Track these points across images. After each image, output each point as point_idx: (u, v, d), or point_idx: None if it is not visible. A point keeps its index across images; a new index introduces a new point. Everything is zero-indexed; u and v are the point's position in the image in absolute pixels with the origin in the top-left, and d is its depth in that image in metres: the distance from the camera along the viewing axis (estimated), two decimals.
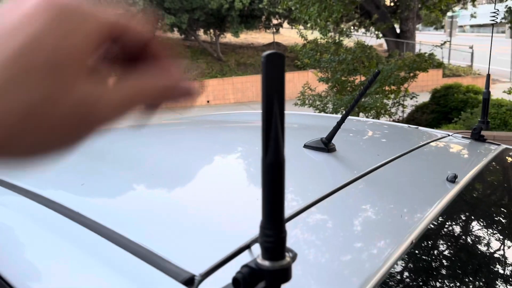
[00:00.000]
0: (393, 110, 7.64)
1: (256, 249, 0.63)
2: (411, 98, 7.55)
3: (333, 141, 1.16)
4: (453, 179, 0.98)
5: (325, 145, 1.14)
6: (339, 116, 1.18)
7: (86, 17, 0.26)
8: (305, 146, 1.17)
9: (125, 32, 0.29)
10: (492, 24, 1.45)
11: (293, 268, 0.61)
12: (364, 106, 6.76)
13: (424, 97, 8.62)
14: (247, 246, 0.64)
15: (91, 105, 0.26)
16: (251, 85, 15.45)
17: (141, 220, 0.73)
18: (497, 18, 1.41)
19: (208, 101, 15.01)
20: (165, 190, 0.89)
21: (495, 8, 1.42)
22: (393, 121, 7.31)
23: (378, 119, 7.09)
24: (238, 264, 0.51)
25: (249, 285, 0.49)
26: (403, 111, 7.94)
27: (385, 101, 7.19)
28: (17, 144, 0.25)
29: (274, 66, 0.46)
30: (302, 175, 1.00)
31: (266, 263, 0.49)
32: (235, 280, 0.49)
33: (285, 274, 0.50)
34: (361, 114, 6.94)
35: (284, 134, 0.48)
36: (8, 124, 0.24)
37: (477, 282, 0.68)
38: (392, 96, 7.34)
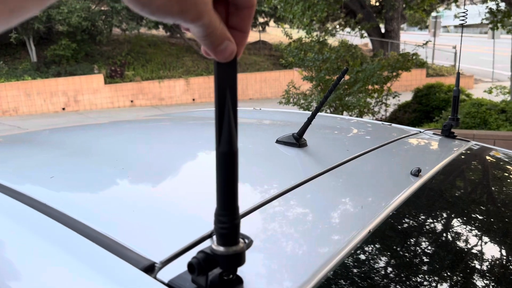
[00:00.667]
0: (376, 109, 7.73)
1: None
2: (393, 97, 7.65)
3: (307, 137, 1.19)
4: (416, 173, 1.02)
5: (296, 141, 1.16)
6: (310, 112, 1.21)
7: None
8: (277, 141, 1.19)
9: None
10: (462, 25, 1.49)
11: (257, 254, 0.63)
12: (347, 105, 6.83)
13: (407, 96, 8.74)
14: (209, 235, 0.66)
15: None
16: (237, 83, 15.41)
17: (105, 210, 0.75)
18: (466, 18, 1.45)
19: (193, 99, 14.96)
20: (132, 182, 0.90)
21: (464, 9, 1.46)
22: (376, 119, 7.40)
23: (361, 117, 7.17)
24: None
25: (203, 269, 0.51)
26: (386, 110, 8.05)
27: (368, 100, 7.27)
28: None
29: (226, 61, 0.48)
30: (273, 169, 1.02)
31: (220, 248, 0.52)
32: (190, 265, 0.51)
33: (239, 258, 0.52)
34: (344, 113, 7.01)
35: (237, 126, 0.50)
36: None
37: (430, 271, 0.71)
38: (376, 95, 7.43)
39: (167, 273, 0.57)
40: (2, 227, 0.73)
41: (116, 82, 14.43)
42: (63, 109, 13.84)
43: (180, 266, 0.58)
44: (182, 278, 0.55)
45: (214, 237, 0.68)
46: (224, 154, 0.49)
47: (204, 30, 0.40)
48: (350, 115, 6.80)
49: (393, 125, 1.72)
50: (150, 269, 0.58)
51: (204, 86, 15.09)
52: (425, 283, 0.66)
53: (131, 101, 14.41)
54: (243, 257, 0.53)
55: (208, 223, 0.68)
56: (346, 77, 6.91)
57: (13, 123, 11.90)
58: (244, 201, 0.77)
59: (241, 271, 0.55)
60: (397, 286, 0.63)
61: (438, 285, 0.66)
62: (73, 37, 14.36)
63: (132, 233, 0.67)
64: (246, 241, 0.64)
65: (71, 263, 0.61)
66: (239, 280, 0.54)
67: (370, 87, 7.03)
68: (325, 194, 0.88)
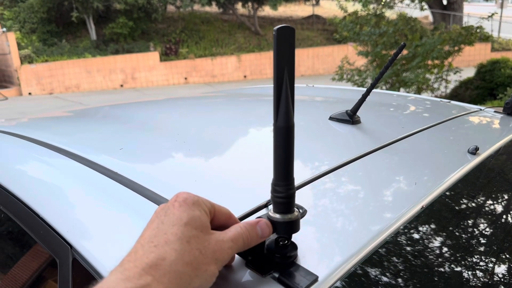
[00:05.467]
0: (435, 85, 7.39)
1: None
2: (454, 73, 7.27)
3: (361, 114, 1.19)
4: (474, 151, 1.00)
5: (350, 117, 1.17)
6: (364, 89, 1.21)
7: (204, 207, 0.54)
8: (331, 118, 1.20)
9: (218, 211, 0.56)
10: None
11: (308, 226, 0.67)
12: (404, 81, 6.60)
13: (469, 72, 8.28)
14: (265, 205, 0.70)
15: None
16: None
17: (170, 179, 0.81)
18: None
19: (245, 76, 15.04)
20: (193, 155, 0.96)
21: None
22: (435, 96, 7.09)
23: (420, 94, 6.89)
24: None
25: None
26: (446, 87, 7.68)
27: (427, 76, 6.96)
28: None
29: (285, 39, 0.51)
30: (326, 145, 1.04)
31: (276, 215, 0.56)
32: None
33: (294, 225, 0.56)
34: (401, 89, 6.78)
35: (293, 101, 0.53)
36: None
37: (482, 251, 0.71)
38: (435, 70, 7.10)
39: None
40: (79, 192, 0.82)
41: (170, 60, 14.79)
42: (121, 86, 14.44)
43: None
44: None
45: (271, 206, 0.72)
46: (281, 128, 0.53)
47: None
48: (408, 92, 6.57)
49: (453, 102, 1.66)
50: None
51: (256, 63, 15.10)
52: (476, 262, 0.66)
53: (185, 78, 14.75)
54: (297, 224, 0.56)
55: (263, 194, 0.72)
56: (404, 51, 6.64)
57: (76, 99, 12.61)
58: (298, 175, 0.80)
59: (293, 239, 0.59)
60: (447, 264, 0.64)
61: (489, 265, 0.66)
62: (129, 15, 14.82)
63: None
64: (301, 210, 0.68)
65: (139, 224, 0.67)
66: (294, 246, 0.58)
67: (429, 62, 6.72)
68: (378, 170, 0.89)
